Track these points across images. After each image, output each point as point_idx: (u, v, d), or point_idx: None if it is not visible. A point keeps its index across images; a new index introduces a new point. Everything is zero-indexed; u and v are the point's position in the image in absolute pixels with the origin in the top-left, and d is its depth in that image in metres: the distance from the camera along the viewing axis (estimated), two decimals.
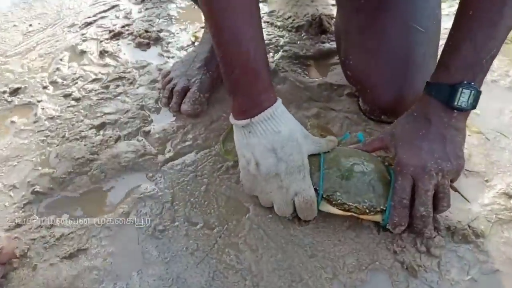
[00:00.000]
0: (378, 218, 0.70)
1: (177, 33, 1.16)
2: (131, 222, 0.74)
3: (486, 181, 0.83)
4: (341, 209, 0.70)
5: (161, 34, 1.14)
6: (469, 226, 0.74)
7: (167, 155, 0.85)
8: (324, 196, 0.70)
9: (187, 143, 0.88)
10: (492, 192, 0.81)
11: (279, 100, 0.71)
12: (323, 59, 1.11)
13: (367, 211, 0.69)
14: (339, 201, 0.69)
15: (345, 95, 1.00)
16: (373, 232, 0.74)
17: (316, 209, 0.71)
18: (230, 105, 0.71)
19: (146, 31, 1.13)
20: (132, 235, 0.73)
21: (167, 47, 1.11)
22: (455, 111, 0.66)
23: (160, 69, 1.03)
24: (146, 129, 0.89)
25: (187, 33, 1.16)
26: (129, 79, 1.01)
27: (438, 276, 0.69)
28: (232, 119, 0.72)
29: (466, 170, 0.85)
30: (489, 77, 1.06)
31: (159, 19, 1.20)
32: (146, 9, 1.25)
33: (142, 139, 0.88)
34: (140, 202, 0.77)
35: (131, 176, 0.82)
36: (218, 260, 0.69)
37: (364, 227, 0.74)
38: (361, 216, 0.70)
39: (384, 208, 0.69)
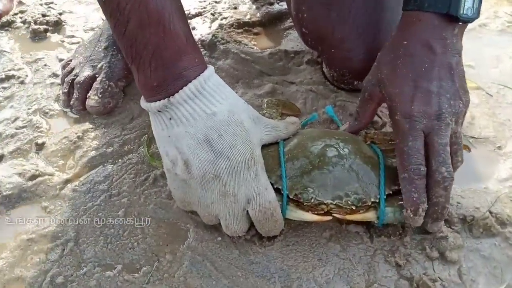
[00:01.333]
0: (370, 215, 0.50)
1: (85, 14, 0.91)
2: (15, 277, 0.50)
3: (499, 148, 0.65)
4: (317, 212, 0.49)
5: (63, 17, 0.89)
6: (490, 212, 0.55)
7: (69, 173, 0.61)
8: (290, 197, 0.49)
9: (98, 151, 0.64)
10: (510, 161, 0.62)
11: (210, 68, 0.49)
12: (273, 24, 0.90)
13: (354, 208, 0.49)
14: (312, 200, 0.48)
15: (305, 64, 0.79)
16: (363, 240, 0.53)
17: (282, 219, 0.50)
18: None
19: (44, 15, 0.87)
20: None
21: (71, 31, 0.86)
22: (459, 24, 0.51)
23: (61, 60, 0.78)
24: (40, 140, 0.65)
25: (97, 11, 0.91)
26: (19, 77, 0.76)
27: None
28: (143, 102, 0.50)
29: (472, 137, 0.65)
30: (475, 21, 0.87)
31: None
32: None
33: (33, 156, 0.63)
34: (30, 246, 0.53)
35: (17, 210, 0.58)
36: None
37: (350, 235, 0.54)
38: (347, 217, 0.50)
39: (377, 200, 0.49)
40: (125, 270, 0.51)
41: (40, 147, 0.64)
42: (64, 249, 0.53)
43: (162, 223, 0.55)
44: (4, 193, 0.58)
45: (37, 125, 0.68)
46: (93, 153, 0.64)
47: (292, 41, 0.85)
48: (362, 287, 0.49)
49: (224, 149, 0.47)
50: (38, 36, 0.85)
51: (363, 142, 0.55)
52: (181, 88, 0.46)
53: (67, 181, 0.60)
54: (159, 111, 0.47)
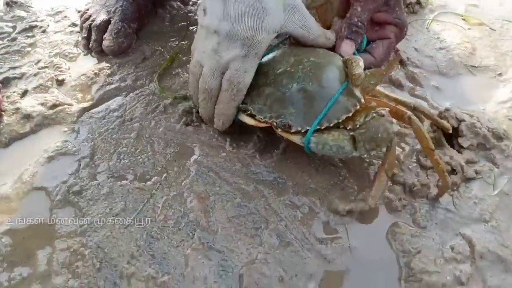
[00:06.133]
0: (296, 139, 0.50)
1: None
2: (37, 187, 0.55)
3: (499, 74, 0.65)
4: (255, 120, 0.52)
5: None
6: (487, 129, 0.56)
7: (86, 103, 0.66)
8: (240, 105, 0.53)
9: (112, 85, 0.68)
10: (509, 86, 0.63)
11: None
12: None
13: (279, 129, 0.50)
14: (249, 112, 0.52)
15: None
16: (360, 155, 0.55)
17: (241, 95, 0.52)
18: None
19: None
20: (40, 202, 0.54)
21: None
22: None
23: (80, 11, 0.83)
24: (60, 77, 0.70)
25: None
26: (41, 27, 0.81)
27: (454, 195, 0.50)
28: None
29: (472, 66, 0.66)
30: None
31: None
32: None
33: (54, 90, 0.68)
34: (50, 162, 0.58)
35: (39, 134, 0.62)
36: (153, 218, 0.50)
37: None
38: (279, 132, 0.51)
39: (303, 130, 0.49)
40: (136, 180, 0.55)
41: (60, 83, 0.69)
42: (80, 164, 0.58)
43: (171, 143, 0.59)
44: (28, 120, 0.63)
45: (58, 65, 0.73)
46: (108, 87, 0.68)
47: None
48: (355, 191, 0.51)
49: (232, 13, 0.47)
50: None
51: (337, 69, 0.51)
52: None
53: (84, 110, 0.65)
54: None
